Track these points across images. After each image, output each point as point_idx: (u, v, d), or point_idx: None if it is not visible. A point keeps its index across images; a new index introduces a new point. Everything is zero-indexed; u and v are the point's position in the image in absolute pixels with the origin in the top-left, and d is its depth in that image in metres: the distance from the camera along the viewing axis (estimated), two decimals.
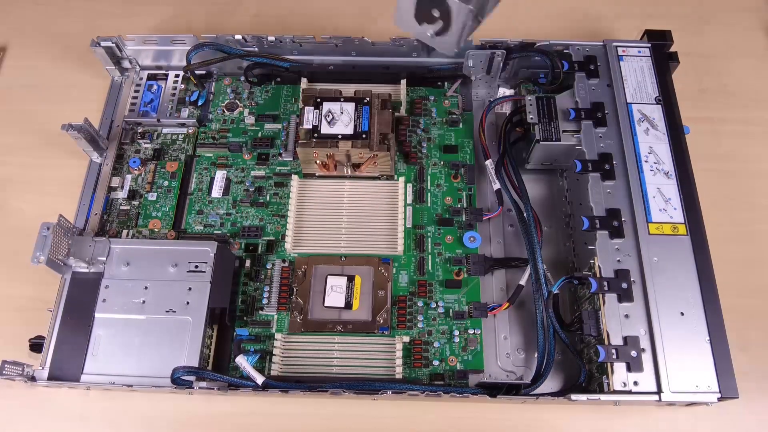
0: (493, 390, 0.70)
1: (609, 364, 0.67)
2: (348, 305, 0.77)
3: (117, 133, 0.90)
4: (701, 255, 0.73)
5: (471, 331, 0.77)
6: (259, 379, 0.69)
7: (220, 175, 0.88)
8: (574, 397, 0.68)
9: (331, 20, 1.04)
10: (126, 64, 0.94)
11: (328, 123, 0.81)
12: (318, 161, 0.83)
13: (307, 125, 0.82)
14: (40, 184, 0.90)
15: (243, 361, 0.71)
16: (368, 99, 0.83)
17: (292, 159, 0.89)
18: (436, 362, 0.76)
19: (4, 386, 0.75)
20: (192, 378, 0.69)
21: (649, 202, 0.75)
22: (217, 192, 0.87)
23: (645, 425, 0.75)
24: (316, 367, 0.75)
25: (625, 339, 0.69)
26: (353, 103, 0.82)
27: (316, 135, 0.81)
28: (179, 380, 0.69)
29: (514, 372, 0.76)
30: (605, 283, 0.70)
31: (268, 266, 0.82)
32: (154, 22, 1.03)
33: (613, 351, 0.68)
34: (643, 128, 0.80)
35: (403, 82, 0.90)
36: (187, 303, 0.74)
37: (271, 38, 0.88)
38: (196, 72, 0.93)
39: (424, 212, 0.85)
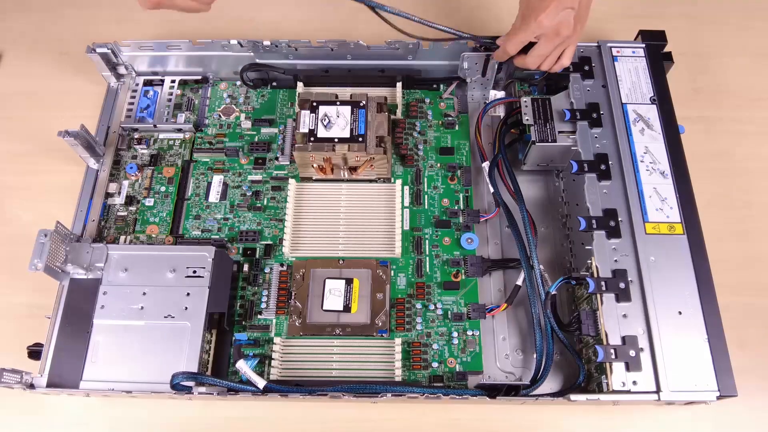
0: (493, 391, 0.70)
1: (608, 364, 0.67)
2: (347, 308, 0.77)
3: (114, 139, 0.90)
4: (698, 254, 0.73)
5: (470, 333, 0.77)
6: (261, 383, 0.69)
7: (217, 180, 0.88)
8: (573, 397, 0.68)
9: (326, 24, 1.04)
10: (122, 70, 0.94)
11: (325, 126, 0.81)
12: (315, 165, 0.83)
13: (304, 129, 0.82)
14: (37, 190, 0.90)
15: (243, 366, 0.71)
16: (364, 102, 0.83)
17: (289, 163, 0.89)
18: (435, 364, 0.76)
19: (3, 393, 0.75)
20: (191, 383, 0.69)
21: (646, 202, 0.76)
22: (214, 197, 0.87)
23: (644, 424, 0.75)
24: (316, 371, 0.75)
25: (623, 339, 0.69)
26: (349, 107, 0.83)
27: (312, 138, 0.81)
28: (179, 386, 0.69)
29: (513, 373, 0.76)
30: (603, 283, 0.71)
31: (267, 270, 0.82)
32: (150, 27, 1.03)
33: (612, 351, 0.68)
34: (638, 128, 0.80)
35: (399, 84, 0.91)
36: (186, 308, 0.74)
37: (267, 43, 0.88)
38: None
39: (422, 214, 0.85)
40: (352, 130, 0.81)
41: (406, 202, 0.86)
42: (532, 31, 0.75)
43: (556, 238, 0.84)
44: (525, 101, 0.82)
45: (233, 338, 0.78)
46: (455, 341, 0.77)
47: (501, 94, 0.92)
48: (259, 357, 0.76)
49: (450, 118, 0.91)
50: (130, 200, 0.87)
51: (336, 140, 0.81)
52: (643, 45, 0.87)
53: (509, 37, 0.78)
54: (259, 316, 0.79)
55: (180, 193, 0.87)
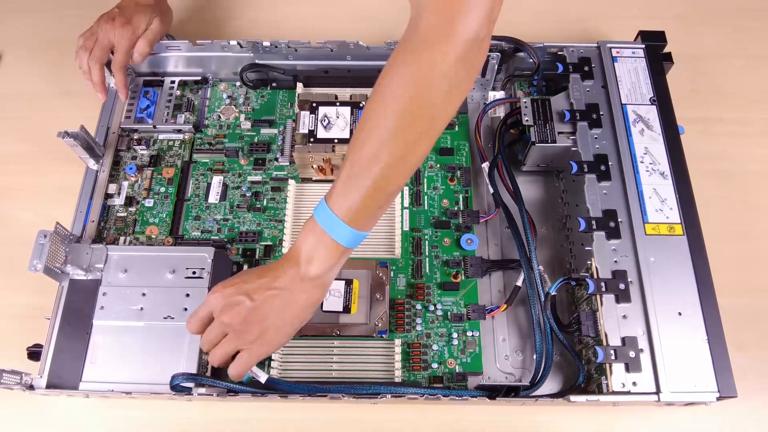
0: (493, 392, 0.70)
1: (607, 365, 0.67)
2: (346, 309, 0.77)
3: (113, 140, 0.90)
4: (698, 255, 0.73)
5: (469, 334, 0.77)
6: (263, 377, 0.70)
7: (216, 181, 0.88)
8: (573, 398, 0.68)
9: (326, 24, 1.04)
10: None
11: (325, 127, 0.82)
12: (314, 165, 0.83)
13: (304, 130, 0.82)
14: (36, 191, 0.90)
15: None
16: (364, 103, 0.83)
17: (288, 164, 0.89)
18: (435, 365, 0.76)
19: (3, 394, 0.74)
20: (191, 384, 0.69)
21: (645, 203, 0.76)
22: (214, 197, 0.87)
23: (644, 425, 0.75)
24: (315, 372, 0.75)
25: (623, 339, 0.69)
26: (349, 107, 0.83)
27: (312, 139, 0.81)
28: (178, 387, 0.69)
29: (513, 374, 0.76)
30: (603, 283, 0.71)
31: None
32: None
33: (612, 352, 0.68)
34: (638, 129, 0.80)
35: None
36: (185, 309, 0.74)
37: (267, 43, 0.88)
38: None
39: (421, 215, 0.85)
40: (351, 130, 0.81)
41: (406, 203, 0.86)
42: (206, 303, 0.64)
43: (555, 239, 0.84)
44: (525, 102, 0.82)
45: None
46: (455, 342, 0.77)
47: (500, 94, 0.92)
48: None
49: None
50: (129, 201, 0.87)
51: (336, 141, 0.81)
52: (643, 46, 0.87)
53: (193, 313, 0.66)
54: None
55: (180, 194, 0.87)
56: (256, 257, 0.83)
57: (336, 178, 0.60)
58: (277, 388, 0.69)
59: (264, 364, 0.76)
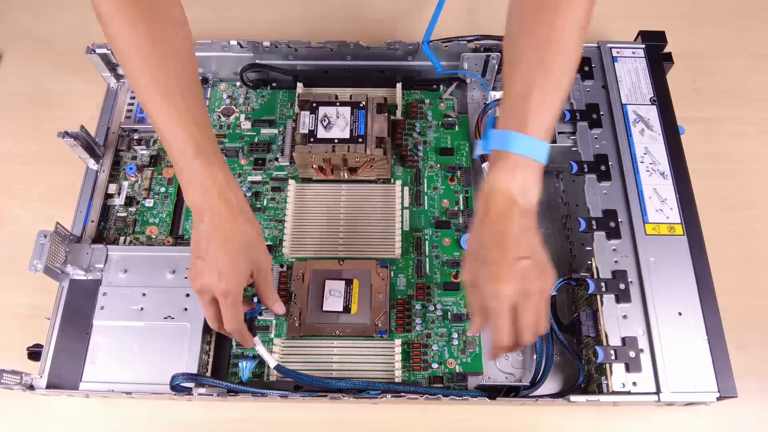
0: (493, 392, 0.70)
1: (608, 365, 0.68)
2: (346, 309, 0.77)
3: (113, 140, 0.90)
4: (698, 255, 0.73)
5: (469, 334, 0.77)
6: (272, 362, 0.70)
7: None
8: (573, 398, 0.68)
9: (326, 24, 1.04)
10: (121, 70, 0.94)
11: (325, 127, 0.81)
12: (315, 165, 0.83)
13: (304, 130, 0.82)
14: (36, 191, 0.90)
15: (258, 342, 0.72)
16: (364, 103, 0.83)
17: (288, 164, 0.89)
18: (435, 365, 0.76)
19: (3, 394, 0.74)
20: (191, 384, 0.69)
21: (646, 203, 0.76)
22: None
23: (644, 426, 0.75)
24: (316, 372, 0.75)
25: (623, 339, 0.69)
26: (349, 107, 0.83)
27: (312, 139, 0.81)
28: (178, 387, 0.69)
29: (513, 374, 0.76)
30: (603, 284, 0.71)
31: None
32: None
33: (612, 352, 0.68)
34: (638, 129, 0.80)
35: (399, 85, 0.91)
36: (186, 309, 0.74)
37: (267, 43, 0.88)
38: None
39: (421, 215, 0.85)
40: (351, 130, 0.81)
41: (406, 203, 0.86)
42: (501, 299, 0.59)
43: (556, 239, 0.84)
44: None
45: (246, 315, 0.73)
46: (455, 342, 0.77)
47: (501, 94, 0.92)
48: (259, 358, 0.76)
49: (450, 119, 0.91)
50: (129, 201, 0.86)
51: (336, 141, 0.81)
52: (643, 45, 0.87)
53: (494, 339, 0.61)
54: (258, 317, 0.79)
55: (180, 194, 0.87)
56: None
57: (515, 108, 0.62)
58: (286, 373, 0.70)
59: (263, 365, 0.76)
